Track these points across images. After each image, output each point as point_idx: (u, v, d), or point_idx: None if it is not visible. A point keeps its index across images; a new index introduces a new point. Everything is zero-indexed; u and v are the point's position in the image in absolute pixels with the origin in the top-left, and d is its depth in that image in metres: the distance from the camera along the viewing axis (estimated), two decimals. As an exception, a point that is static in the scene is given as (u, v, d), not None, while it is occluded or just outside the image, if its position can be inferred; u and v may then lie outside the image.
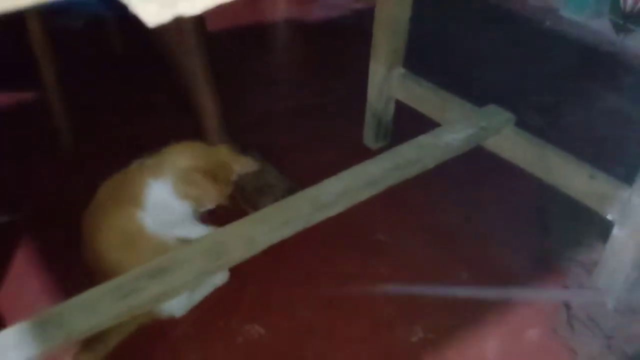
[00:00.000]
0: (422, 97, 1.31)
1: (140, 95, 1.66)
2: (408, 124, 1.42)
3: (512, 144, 1.15)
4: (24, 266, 1.16)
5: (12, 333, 0.76)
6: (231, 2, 0.28)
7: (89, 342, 0.95)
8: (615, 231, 1.03)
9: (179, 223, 1.03)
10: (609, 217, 1.04)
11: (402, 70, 1.35)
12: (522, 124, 1.18)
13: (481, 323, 1.07)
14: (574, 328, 1.04)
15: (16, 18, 1.34)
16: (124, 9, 1.05)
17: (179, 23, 1.20)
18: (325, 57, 1.87)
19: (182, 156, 1.02)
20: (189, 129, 1.29)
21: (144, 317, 0.99)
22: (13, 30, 1.37)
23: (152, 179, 0.99)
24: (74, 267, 1.13)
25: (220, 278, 1.10)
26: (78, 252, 1.16)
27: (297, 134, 1.53)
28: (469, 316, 1.09)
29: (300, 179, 1.28)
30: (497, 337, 1.05)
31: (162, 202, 0.99)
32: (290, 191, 1.25)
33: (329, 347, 1.04)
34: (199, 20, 1.23)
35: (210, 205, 1.04)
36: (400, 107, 1.40)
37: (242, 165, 1.07)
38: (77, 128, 1.46)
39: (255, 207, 1.21)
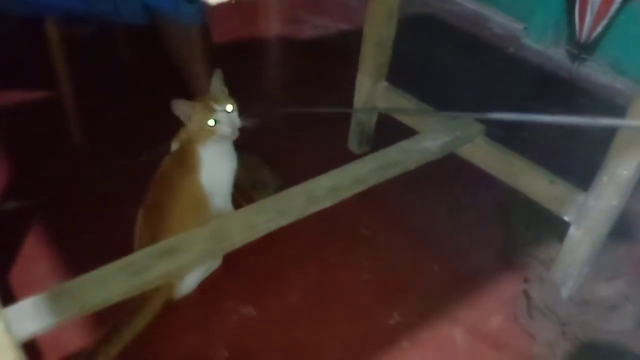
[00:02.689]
0: (403, 107, 1.33)
1: (144, 96, 1.66)
2: (388, 132, 1.44)
3: (482, 152, 1.18)
4: (34, 249, 1.15)
5: (28, 304, 0.75)
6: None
7: (110, 334, 0.93)
8: (572, 231, 1.06)
9: (221, 192, 1.05)
10: (566, 218, 1.07)
11: (385, 83, 1.37)
12: (489, 135, 1.21)
13: (451, 309, 1.10)
14: (533, 316, 1.07)
15: (34, 24, 1.34)
16: (134, 17, 1.04)
17: (188, 32, 1.22)
18: (314, 72, 1.89)
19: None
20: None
21: (160, 301, 0.99)
22: (30, 35, 1.36)
23: (199, 145, 1.00)
24: (82, 250, 1.13)
25: (216, 262, 1.10)
26: (87, 235, 1.16)
27: (289, 138, 1.55)
28: (441, 304, 1.11)
29: (291, 177, 1.29)
30: (465, 322, 1.07)
31: (211, 161, 1.02)
32: (282, 188, 1.25)
33: (314, 327, 1.05)
34: (206, 30, 1.24)
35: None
36: (382, 117, 1.43)
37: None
38: (87, 124, 1.45)
39: (250, 201, 1.22)
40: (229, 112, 1.01)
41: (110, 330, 0.92)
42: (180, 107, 0.99)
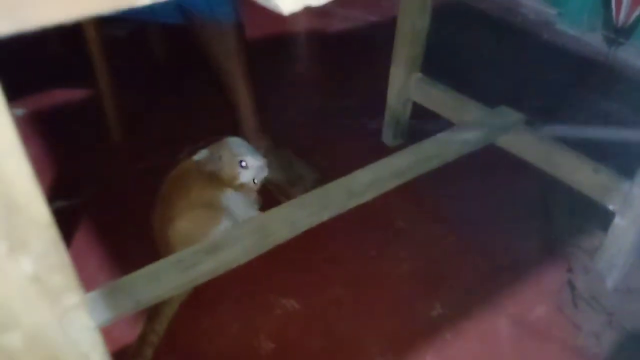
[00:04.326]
0: (439, 99, 1.32)
1: (181, 97, 1.69)
2: (422, 125, 1.44)
3: (522, 142, 1.16)
4: (82, 247, 1.19)
5: (86, 299, 0.78)
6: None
7: (151, 318, 0.97)
8: (617, 220, 1.04)
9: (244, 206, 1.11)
10: (611, 207, 1.05)
11: (419, 74, 1.36)
12: (528, 124, 1.19)
13: (494, 301, 1.09)
14: (578, 306, 1.06)
15: (74, 25, 1.37)
16: (169, 16, 1.08)
17: (223, 30, 1.23)
18: (344, 65, 1.89)
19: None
20: (227, 127, 1.32)
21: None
22: (70, 35, 1.40)
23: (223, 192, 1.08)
24: (128, 246, 1.17)
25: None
26: (131, 232, 1.20)
27: (324, 132, 1.55)
28: (483, 295, 1.10)
29: (326, 171, 1.30)
30: (508, 314, 1.07)
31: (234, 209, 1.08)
32: (318, 182, 1.27)
33: (356, 319, 1.06)
34: (240, 27, 1.25)
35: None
36: (417, 108, 1.42)
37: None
38: (126, 124, 1.49)
39: (288, 197, 1.23)
40: (258, 166, 1.09)
41: (144, 328, 0.96)
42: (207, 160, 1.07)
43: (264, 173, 1.11)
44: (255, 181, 1.10)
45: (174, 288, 0.80)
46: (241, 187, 1.11)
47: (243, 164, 1.08)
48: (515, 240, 1.23)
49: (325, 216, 0.94)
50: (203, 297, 1.06)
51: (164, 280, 0.80)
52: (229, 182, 1.08)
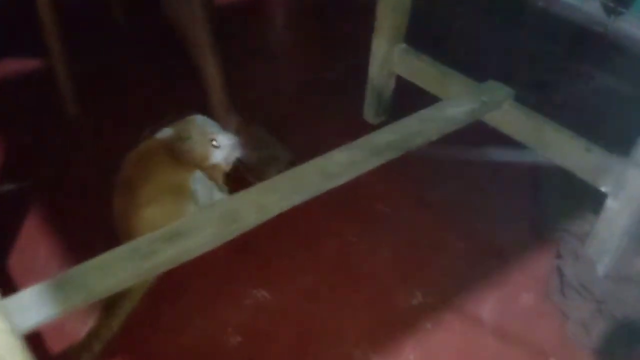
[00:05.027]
0: (423, 71, 1.30)
1: (144, 64, 1.64)
2: (406, 100, 1.42)
3: (511, 118, 1.15)
4: (32, 234, 1.16)
5: (31, 293, 0.75)
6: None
7: (107, 311, 0.96)
8: (609, 202, 1.04)
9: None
10: (603, 189, 1.05)
11: (403, 45, 1.34)
12: (518, 100, 1.18)
13: (478, 288, 1.09)
14: (566, 294, 1.06)
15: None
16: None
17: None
18: (322, 35, 1.86)
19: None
20: (195, 101, 1.29)
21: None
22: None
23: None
24: (84, 234, 1.14)
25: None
26: (88, 218, 1.17)
27: (300, 108, 1.53)
28: (466, 282, 1.11)
29: (301, 151, 1.28)
30: (493, 301, 1.07)
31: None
32: (292, 162, 1.25)
33: (332, 310, 1.06)
34: (206, -8, 1.21)
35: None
36: (400, 83, 1.40)
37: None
38: (83, 95, 1.45)
39: (260, 178, 1.21)
40: (230, 145, 1.09)
41: (99, 320, 0.95)
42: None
43: (236, 153, 1.09)
44: (227, 162, 1.09)
45: (129, 279, 0.78)
46: (211, 168, 1.09)
47: (215, 142, 1.06)
48: (501, 224, 1.23)
49: (298, 199, 0.92)
50: (165, 289, 1.04)
51: (118, 270, 0.78)
52: (199, 163, 1.06)
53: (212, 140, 1.06)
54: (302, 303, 1.06)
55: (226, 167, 1.10)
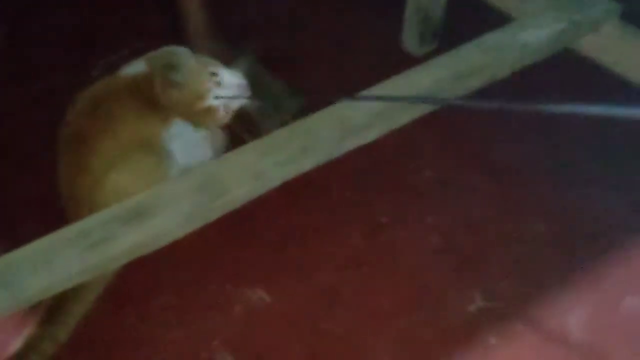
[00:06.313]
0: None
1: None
2: (467, 19, 1.40)
3: (616, 45, 1.14)
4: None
5: None
6: None
7: (50, 316, 0.97)
8: None
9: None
10: None
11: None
12: (626, 18, 1.16)
13: (563, 289, 1.09)
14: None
15: None
16: None
17: None
18: None
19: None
20: (162, 25, 1.28)
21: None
22: None
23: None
24: (16, 212, 1.16)
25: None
26: (21, 190, 1.18)
27: (310, 35, 1.52)
28: (547, 280, 1.10)
29: (317, 95, 1.28)
30: (584, 307, 1.07)
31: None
32: (300, 111, 1.25)
33: (356, 319, 1.06)
34: None
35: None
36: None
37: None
38: (9, 24, 1.45)
39: (258, 134, 1.22)
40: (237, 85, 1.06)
41: (36, 329, 0.96)
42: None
43: (242, 100, 1.08)
44: (226, 110, 1.08)
45: (73, 276, 0.79)
46: (202, 115, 1.07)
47: (217, 78, 1.05)
48: (595, 200, 1.22)
49: (308, 164, 0.93)
50: (129, 288, 1.06)
51: (59, 263, 0.78)
52: (187, 106, 1.03)
53: (213, 74, 1.04)
54: (314, 308, 1.07)
55: (223, 117, 1.09)
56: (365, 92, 0.99)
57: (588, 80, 1.27)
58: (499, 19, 1.18)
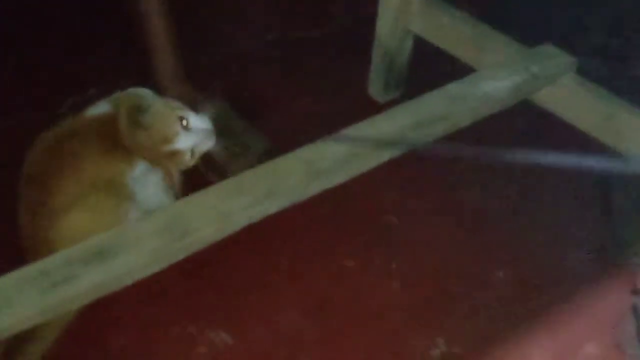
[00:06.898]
0: (451, 30, 1.31)
1: (57, 18, 1.65)
2: (430, 68, 1.42)
3: (572, 98, 1.16)
4: None
5: None
6: None
7: (8, 356, 0.95)
8: None
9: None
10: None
11: (424, -6, 1.35)
12: (582, 72, 1.19)
13: (523, 336, 1.10)
14: (645, 343, 1.07)
15: None
16: None
17: None
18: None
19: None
20: (128, 67, 1.28)
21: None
22: None
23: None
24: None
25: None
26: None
27: (279, 79, 1.53)
28: (508, 327, 1.11)
29: (281, 139, 1.28)
30: (544, 354, 1.07)
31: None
32: (268, 154, 1.25)
33: (321, 362, 1.06)
34: None
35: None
36: (421, 45, 1.41)
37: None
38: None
39: (224, 175, 1.22)
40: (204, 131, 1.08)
41: None
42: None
43: (209, 143, 1.10)
44: (193, 154, 1.09)
45: (33, 316, 0.77)
46: (168, 158, 1.08)
47: (184, 122, 1.06)
48: (557, 248, 1.23)
49: (274, 206, 0.92)
50: (89, 328, 1.04)
51: (19, 302, 0.77)
52: (154, 148, 1.04)
53: (181, 118, 1.05)
54: (279, 351, 1.06)
55: (189, 162, 1.10)
56: (329, 138, 1.00)
57: (547, 131, 1.29)
58: (461, 70, 1.21)
